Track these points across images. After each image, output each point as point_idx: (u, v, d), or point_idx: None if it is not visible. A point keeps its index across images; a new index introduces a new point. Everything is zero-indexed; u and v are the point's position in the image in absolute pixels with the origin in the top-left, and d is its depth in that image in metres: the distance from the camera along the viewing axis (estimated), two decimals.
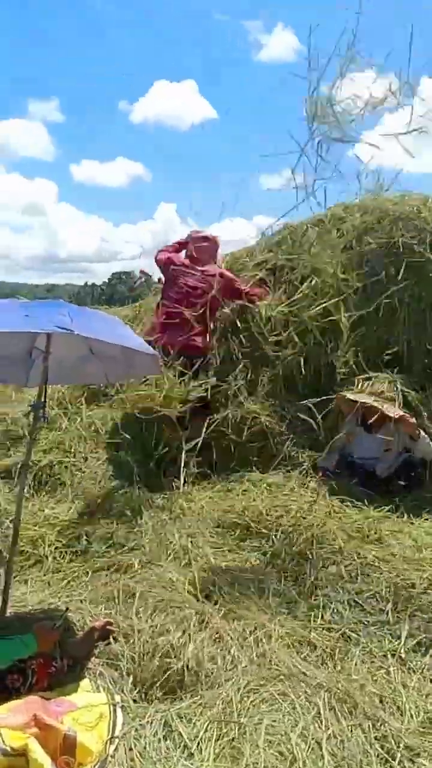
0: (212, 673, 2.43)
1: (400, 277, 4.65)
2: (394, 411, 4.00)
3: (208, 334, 4.80)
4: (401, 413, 4.02)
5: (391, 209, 5.04)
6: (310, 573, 3.14)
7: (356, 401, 4.13)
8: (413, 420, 4.09)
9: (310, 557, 3.24)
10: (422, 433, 4.12)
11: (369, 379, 4.34)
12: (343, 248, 4.92)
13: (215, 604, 2.93)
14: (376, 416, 4.04)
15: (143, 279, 6.89)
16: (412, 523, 3.71)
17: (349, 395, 4.18)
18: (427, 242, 4.81)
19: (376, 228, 4.98)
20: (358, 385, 4.31)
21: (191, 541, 3.43)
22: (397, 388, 4.24)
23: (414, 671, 2.51)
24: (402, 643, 2.67)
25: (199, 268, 4.93)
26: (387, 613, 2.87)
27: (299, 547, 3.32)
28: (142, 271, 6.89)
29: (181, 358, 4.42)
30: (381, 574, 3.14)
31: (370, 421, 4.15)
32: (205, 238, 5.15)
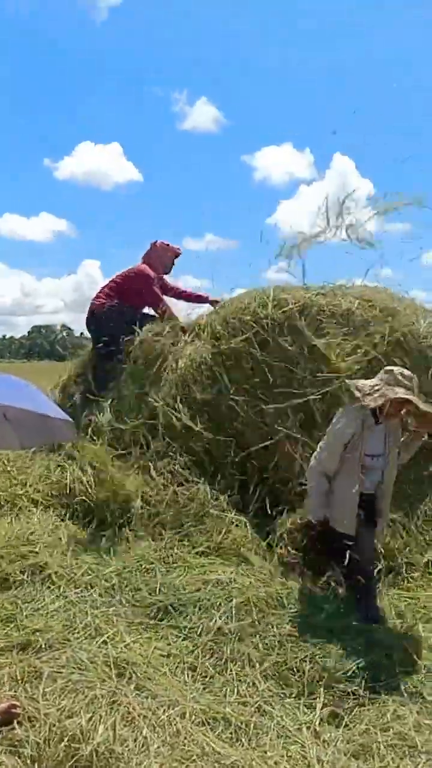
0: (123, 757, 2.31)
1: None
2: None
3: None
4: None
5: None
6: (226, 647, 3.08)
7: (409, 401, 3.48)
8: None
9: (227, 632, 3.19)
10: None
11: None
12: None
13: (128, 681, 2.82)
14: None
15: (65, 333, 6.69)
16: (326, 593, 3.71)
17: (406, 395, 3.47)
18: None
19: None
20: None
21: (103, 619, 3.30)
22: None
23: (328, 744, 2.47)
24: (317, 715, 2.64)
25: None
26: (303, 685, 2.84)
27: (216, 621, 3.27)
28: (62, 326, 6.79)
29: None
30: (299, 645, 3.13)
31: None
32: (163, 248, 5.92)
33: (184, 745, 2.39)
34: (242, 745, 2.46)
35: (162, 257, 5.93)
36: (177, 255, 6.03)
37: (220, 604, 3.37)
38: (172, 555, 3.95)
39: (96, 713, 2.50)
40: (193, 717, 2.57)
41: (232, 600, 3.39)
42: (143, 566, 3.81)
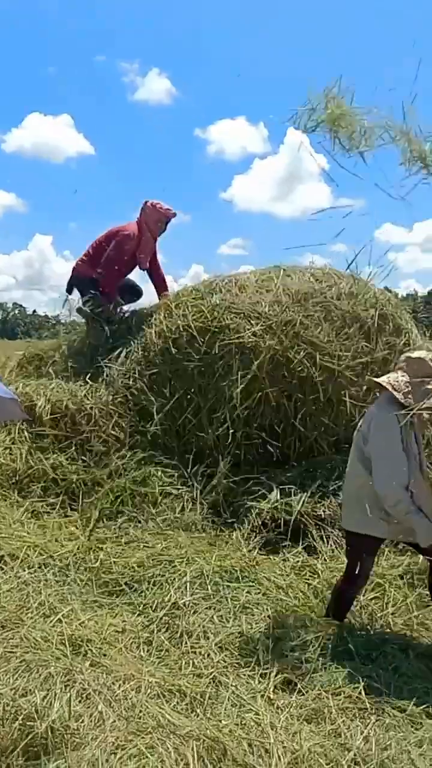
0: (78, 732, 2.33)
1: None
2: None
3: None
4: None
5: None
6: (181, 621, 3.11)
7: None
8: None
9: (182, 606, 3.22)
10: None
11: None
12: None
13: (84, 658, 2.83)
14: None
15: (16, 311, 6.60)
16: (286, 560, 3.77)
17: None
18: None
19: None
20: None
21: (58, 598, 3.29)
22: None
23: (282, 710, 2.53)
24: (271, 683, 2.69)
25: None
26: (257, 655, 2.89)
27: (170, 596, 3.29)
28: (14, 304, 6.71)
29: None
30: (253, 616, 3.19)
31: None
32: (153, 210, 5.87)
33: (140, 718, 2.41)
34: (197, 716, 2.49)
35: (152, 220, 5.87)
36: (168, 218, 5.95)
37: (174, 579, 3.40)
38: (127, 534, 3.96)
39: (51, 691, 2.50)
40: (149, 690, 2.60)
41: (186, 575, 3.42)
42: (98, 546, 3.81)
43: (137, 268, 5.93)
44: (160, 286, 6.11)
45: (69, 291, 5.91)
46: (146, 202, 5.85)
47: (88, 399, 4.81)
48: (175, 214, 5.98)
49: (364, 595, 3.42)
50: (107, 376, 4.99)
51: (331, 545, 3.93)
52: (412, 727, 2.45)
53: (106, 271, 5.67)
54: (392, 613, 3.31)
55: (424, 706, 2.57)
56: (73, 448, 4.55)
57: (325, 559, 3.82)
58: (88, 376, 5.08)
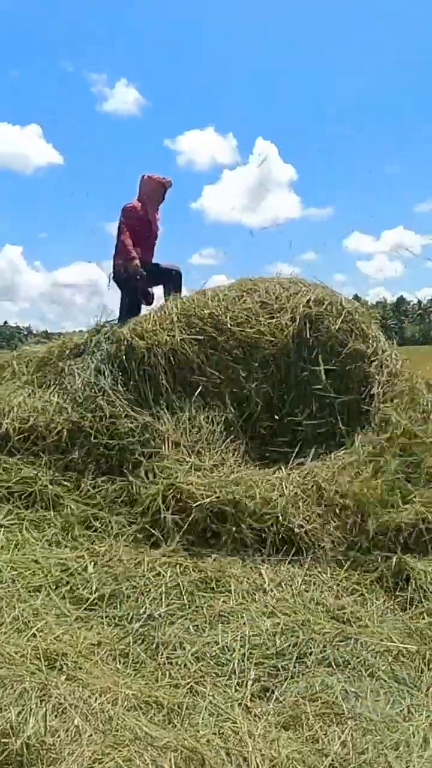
0: (54, 748, 2.29)
1: None
2: None
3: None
4: None
5: None
6: (157, 632, 3.09)
7: None
8: None
9: (157, 617, 3.20)
10: None
11: None
12: None
13: (59, 673, 2.79)
14: None
15: None
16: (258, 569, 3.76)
17: None
18: None
19: None
20: None
21: (32, 613, 3.24)
22: None
23: (259, 718, 2.52)
24: (248, 691, 2.69)
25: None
26: (234, 663, 2.89)
27: (146, 608, 3.27)
28: None
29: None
30: (229, 624, 3.18)
31: None
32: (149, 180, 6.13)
33: (117, 731, 2.38)
34: (175, 727, 2.47)
35: (149, 190, 6.10)
36: (164, 186, 6.17)
37: (150, 590, 3.38)
38: (101, 546, 3.92)
39: (26, 706, 2.46)
40: (125, 703, 2.57)
41: (161, 586, 3.40)
42: (71, 559, 3.76)
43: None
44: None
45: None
46: (143, 176, 6.11)
47: (56, 415, 4.73)
48: (170, 182, 6.23)
49: (339, 600, 3.44)
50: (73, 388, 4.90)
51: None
52: (388, 730, 2.46)
53: (121, 246, 5.87)
54: (368, 618, 3.33)
55: (400, 709, 2.59)
56: (44, 459, 4.49)
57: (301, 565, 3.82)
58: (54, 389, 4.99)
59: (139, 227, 5.93)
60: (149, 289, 6.07)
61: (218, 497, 3.96)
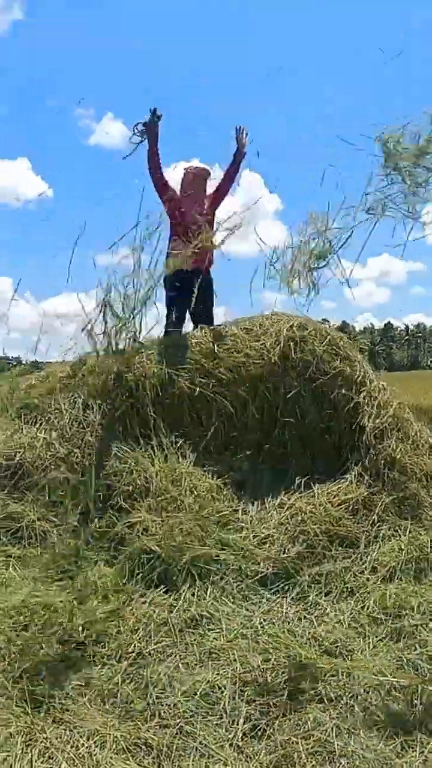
0: None
1: None
2: None
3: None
4: None
5: None
6: (146, 670, 3.04)
7: None
8: None
9: (146, 655, 3.15)
10: None
11: None
12: None
13: (46, 715, 2.73)
14: None
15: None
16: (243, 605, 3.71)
17: None
18: None
19: None
20: None
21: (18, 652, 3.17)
22: None
23: (251, 758, 2.48)
24: (239, 729, 2.64)
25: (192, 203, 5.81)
26: (224, 701, 2.84)
27: (134, 646, 3.21)
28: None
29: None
30: (219, 662, 3.13)
31: None
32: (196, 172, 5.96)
33: None
34: None
35: (186, 182, 5.94)
36: (194, 174, 5.96)
37: (138, 628, 3.33)
38: (86, 582, 3.86)
39: (12, 752, 2.42)
40: (114, 745, 2.52)
41: (150, 623, 3.35)
42: (58, 596, 3.69)
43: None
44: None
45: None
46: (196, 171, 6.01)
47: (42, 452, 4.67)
48: (190, 167, 6.05)
49: (331, 634, 3.41)
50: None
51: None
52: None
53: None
54: (361, 651, 3.29)
55: (393, 745, 2.55)
56: (31, 496, 4.43)
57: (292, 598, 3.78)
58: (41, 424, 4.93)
59: (168, 209, 5.81)
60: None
61: (200, 553, 3.89)
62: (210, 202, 5.97)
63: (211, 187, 6.07)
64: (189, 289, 5.46)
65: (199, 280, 5.50)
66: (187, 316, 5.91)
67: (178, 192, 5.94)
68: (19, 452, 4.57)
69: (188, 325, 5.89)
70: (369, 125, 3.82)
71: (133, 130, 5.71)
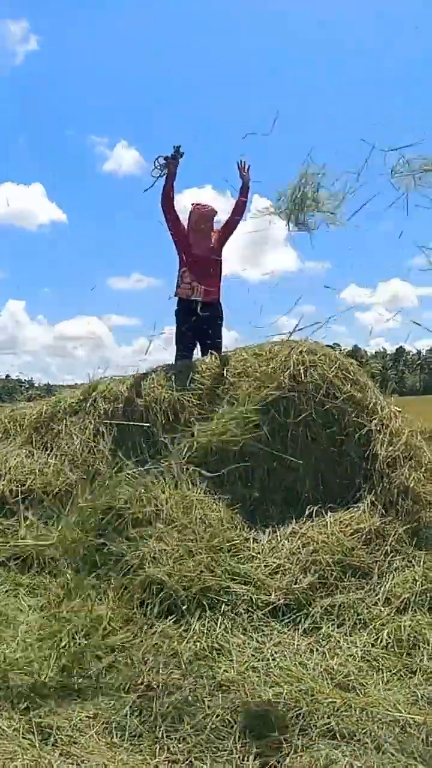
0: None
1: None
2: None
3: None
4: None
5: None
6: (155, 703, 2.99)
7: None
8: None
9: (155, 687, 3.09)
10: None
11: None
12: None
13: (53, 748, 2.68)
14: None
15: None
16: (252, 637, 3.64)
17: None
18: None
19: None
20: None
21: (27, 685, 3.13)
22: None
23: None
24: (250, 766, 2.58)
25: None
26: (235, 737, 2.78)
27: (143, 678, 3.16)
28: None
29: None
30: (229, 695, 3.07)
31: None
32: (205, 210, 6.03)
33: None
34: None
35: (193, 219, 6.02)
36: (200, 215, 6.02)
37: (147, 660, 3.28)
38: (93, 609, 3.82)
39: None
40: None
41: (159, 655, 3.30)
42: (65, 624, 3.64)
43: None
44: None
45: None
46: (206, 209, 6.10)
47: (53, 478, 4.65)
48: (196, 206, 6.10)
49: (344, 667, 3.34)
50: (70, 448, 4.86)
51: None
52: None
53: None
54: (374, 685, 3.22)
55: None
56: (41, 522, 4.42)
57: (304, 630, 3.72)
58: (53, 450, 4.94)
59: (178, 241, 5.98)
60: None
61: (211, 583, 3.84)
62: (218, 237, 6.09)
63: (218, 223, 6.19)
64: (199, 324, 5.62)
65: (208, 313, 5.61)
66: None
67: (186, 226, 6.07)
68: (30, 478, 4.58)
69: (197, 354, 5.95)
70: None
71: (155, 164, 5.78)
